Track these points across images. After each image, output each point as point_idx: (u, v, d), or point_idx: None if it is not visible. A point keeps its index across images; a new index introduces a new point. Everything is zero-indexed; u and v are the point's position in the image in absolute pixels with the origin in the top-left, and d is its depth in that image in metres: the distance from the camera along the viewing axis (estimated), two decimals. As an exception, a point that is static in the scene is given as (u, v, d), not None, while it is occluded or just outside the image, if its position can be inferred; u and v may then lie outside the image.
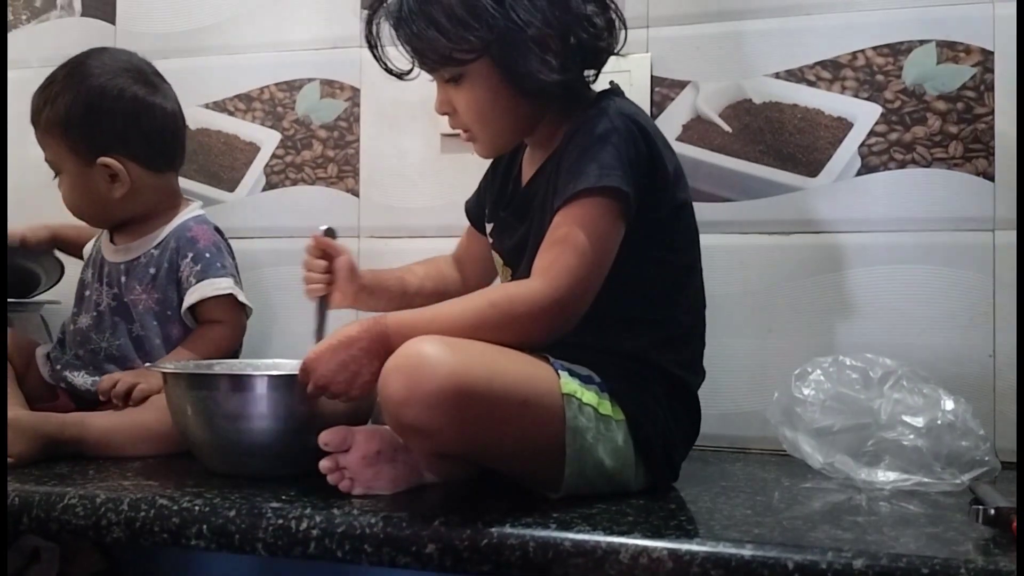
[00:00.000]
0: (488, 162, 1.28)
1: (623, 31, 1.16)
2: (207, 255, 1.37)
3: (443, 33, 1.07)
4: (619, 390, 1.05)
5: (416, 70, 1.15)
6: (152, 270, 1.37)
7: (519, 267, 1.16)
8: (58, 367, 1.38)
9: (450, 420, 0.92)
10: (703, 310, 1.19)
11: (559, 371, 1.01)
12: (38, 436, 1.18)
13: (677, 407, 1.10)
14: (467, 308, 1.02)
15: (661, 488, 1.06)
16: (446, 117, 1.16)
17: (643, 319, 1.11)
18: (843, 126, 1.38)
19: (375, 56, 1.16)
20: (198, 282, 1.35)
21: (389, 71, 1.17)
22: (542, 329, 1.02)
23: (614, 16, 1.14)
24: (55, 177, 1.40)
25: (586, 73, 1.16)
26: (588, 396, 1.02)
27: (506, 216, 1.23)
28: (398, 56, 1.15)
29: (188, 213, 1.42)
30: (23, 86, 1.42)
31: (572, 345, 1.06)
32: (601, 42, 1.12)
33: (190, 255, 1.36)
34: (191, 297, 1.35)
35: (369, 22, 1.14)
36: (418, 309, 1.07)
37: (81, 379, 1.36)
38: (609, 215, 1.04)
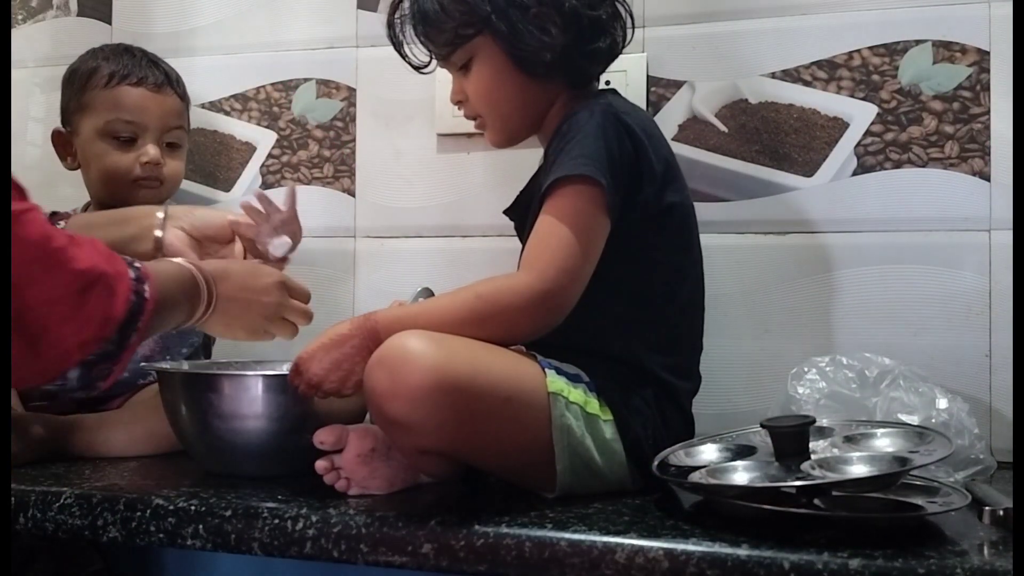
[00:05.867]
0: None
1: (626, 17, 1.19)
2: None
3: (446, 12, 1.13)
4: (607, 390, 1.05)
5: (433, 63, 1.21)
6: None
7: None
8: None
9: (432, 414, 0.93)
10: (699, 315, 1.18)
11: (546, 369, 1.01)
12: (37, 437, 1.18)
13: (668, 409, 1.10)
14: (455, 301, 1.03)
15: (657, 488, 1.06)
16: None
17: (631, 321, 1.11)
18: (839, 126, 1.38)
19: (400, 54, 1.22)
20: None
21: (411, 64, 1.23)
22: (530, 321, 1.02)
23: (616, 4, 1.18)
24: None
25: (593, 65, 1.17)
26: (575, 395, 1.02)
27: (512, 217, 1.24)
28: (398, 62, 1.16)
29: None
30: (19, 86, 1.43)
31: (560, 347, 1.06)
32: (596, 12, 1.13)
33: None
34: None
35: (391, 24, 1.20)
36: (409, 304, 1.08)
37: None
38: (590, 205, 1.04)
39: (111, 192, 1.37)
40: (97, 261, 0.88)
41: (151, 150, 1.35)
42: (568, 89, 1.17)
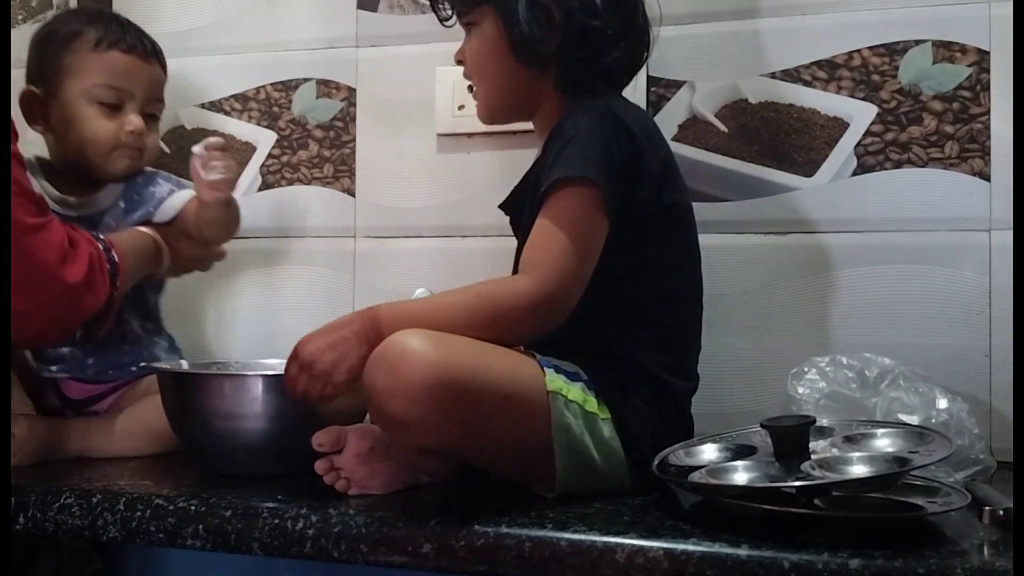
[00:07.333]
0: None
1: (642, 32, 1.19)
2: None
3: None
4: (606, 389, 1.05)
5: (454, 18, 1.23)
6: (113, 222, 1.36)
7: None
8: (42, 362, 1.36)
9: (432, 412, 0.93)
10: (698, 314, 1.18)
11: (545, 368, 1.02)
12: (42, 443, 1.19)
13: (666, 409, 1.10)
14: (457, 300, 1.03)
15: (656, 488, 1.06)
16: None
17: (629, 320, 1.11)
18: (839, 126, 1.38)
19: (432, 6, 1.25)
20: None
21: (438, 15, 1.24)
22: (531, 324, 1.02)
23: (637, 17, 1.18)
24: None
25: (586, 76, 1.16)
26: (574, 393, 1.02)
27: (507, 211, 1.24)
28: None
29: None
30: (19, 85, 1.42)
31: (559, 346, 1.06)
32: (598, 22, 1.13)
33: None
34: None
35: None
36: (412, 299, 1.10)
37: (69, 353, 1.33)
38: (589, 206, 1.04)
39: (88, 157, 1.33)
40: (89, 249, 1.14)
41: (135, 119, 1.33)
42: (558, 91, 1.17)
